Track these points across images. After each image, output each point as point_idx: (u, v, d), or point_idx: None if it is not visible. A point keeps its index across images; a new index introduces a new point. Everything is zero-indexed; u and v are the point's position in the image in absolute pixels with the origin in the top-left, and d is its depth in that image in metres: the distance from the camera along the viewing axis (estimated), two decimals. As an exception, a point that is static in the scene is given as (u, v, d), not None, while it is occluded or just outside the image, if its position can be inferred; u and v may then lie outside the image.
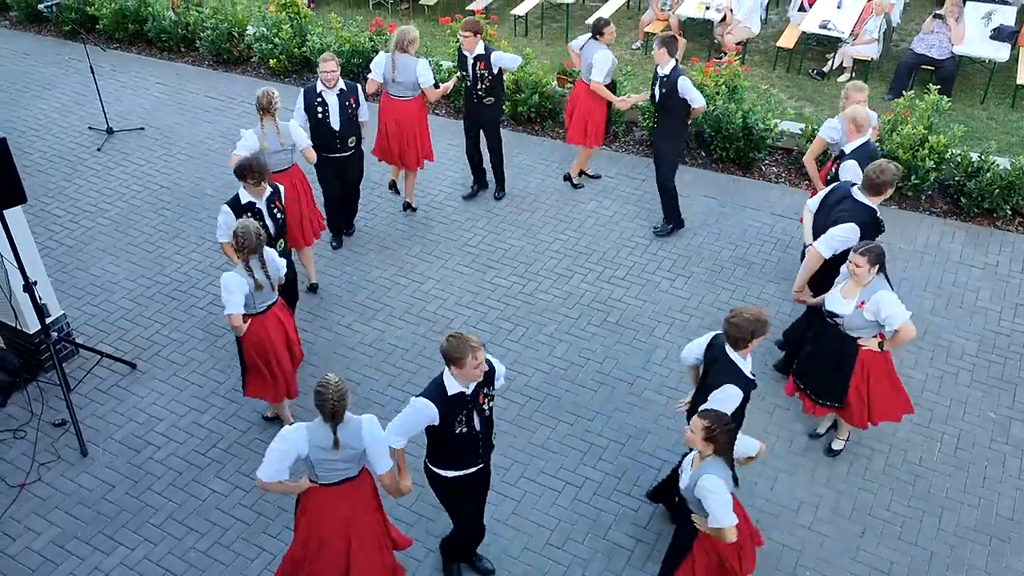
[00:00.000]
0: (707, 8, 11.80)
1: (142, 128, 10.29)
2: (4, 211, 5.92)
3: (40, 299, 6.43)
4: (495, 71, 8.16)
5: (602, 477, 6.21)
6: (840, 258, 5.95)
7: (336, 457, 4.63)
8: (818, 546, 5.76)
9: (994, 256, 8.14)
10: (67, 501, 6.11)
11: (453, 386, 4.68)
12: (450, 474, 4.98)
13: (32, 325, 6.72)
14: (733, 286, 7.84)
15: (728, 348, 5.06)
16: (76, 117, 10.54)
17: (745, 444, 4.75)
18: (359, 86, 7.69)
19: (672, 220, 8.44)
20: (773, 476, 6.19)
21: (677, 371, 7.02)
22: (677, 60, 7.80)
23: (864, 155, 6.47)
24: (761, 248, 8.26)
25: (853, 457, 6.32)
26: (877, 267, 5.48)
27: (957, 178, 8.64)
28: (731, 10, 11.64)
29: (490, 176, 9.04)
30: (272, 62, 11.10)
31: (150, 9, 11.88)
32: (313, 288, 7.81)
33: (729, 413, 4.71)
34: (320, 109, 7.46)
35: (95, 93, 10.23)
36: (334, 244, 8.34)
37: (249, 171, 6.19)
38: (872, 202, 5.96)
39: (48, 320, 6.62)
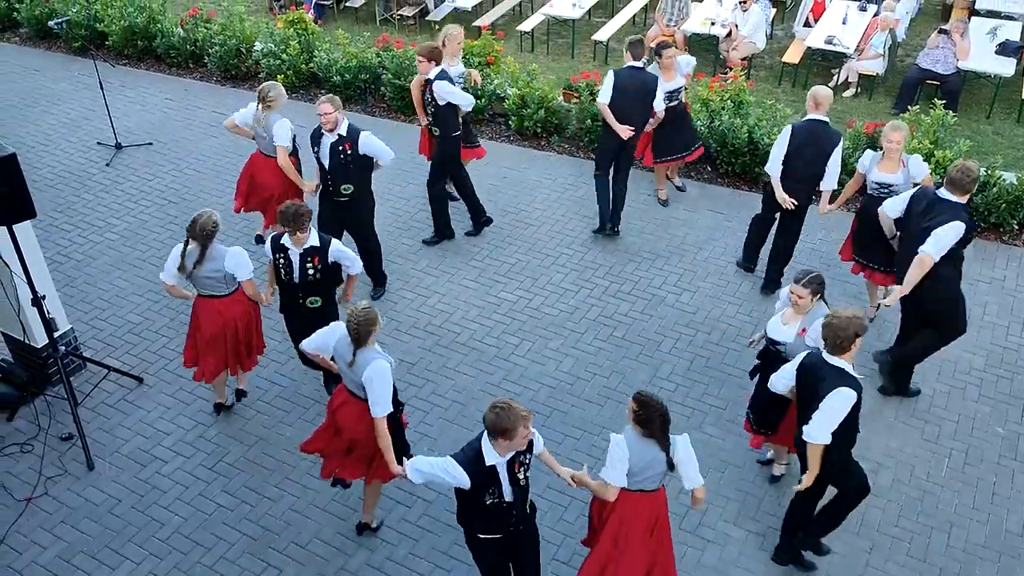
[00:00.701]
0: (712, 24, 11.86)
1: (150, 143, 10.35)
2: (13, 226, 5.95)
3: (48, 313, 6.46)
4: (439, 102, 7.76)
5: (608, 492, 6.19)
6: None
7: (350, 374, 5.24)
8: (826, 562, 5.72)
9: (1001, 271, 8.13)
10: (74, 515, 6.11)
11: (492, 456, 4.45)
12: (479, 535, 4.80)
13: (40, 339, 6.74)
14: (740, 301, 7.83)
15: (829, 358, 4.91)
16: (85, 132, 10.61)
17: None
18: (363, 134, 7.11)
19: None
20: (781, 491, 6.16)
21: (683, 386, 7.00)
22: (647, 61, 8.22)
23: (806, 125, 7.26)
24: (764, 262, 8.25)
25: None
26: (818, 296, 5.49)
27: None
28: (736, 26, 11.69)
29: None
30: (280, 78, 11.14)
31: (159, 26, 11.98)
32: None
33: (840, 420, 4.86)
34: (315, 148, 7.19)
35: (104, 108, 10.29)
36: (373, 295, 7.89)
37: (283, 220, 5.94)
38: (962, 200, 6.14)
39: (56, 334, 6.65)
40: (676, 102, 8.48)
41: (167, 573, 5.73)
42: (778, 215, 7.62)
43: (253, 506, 6.15)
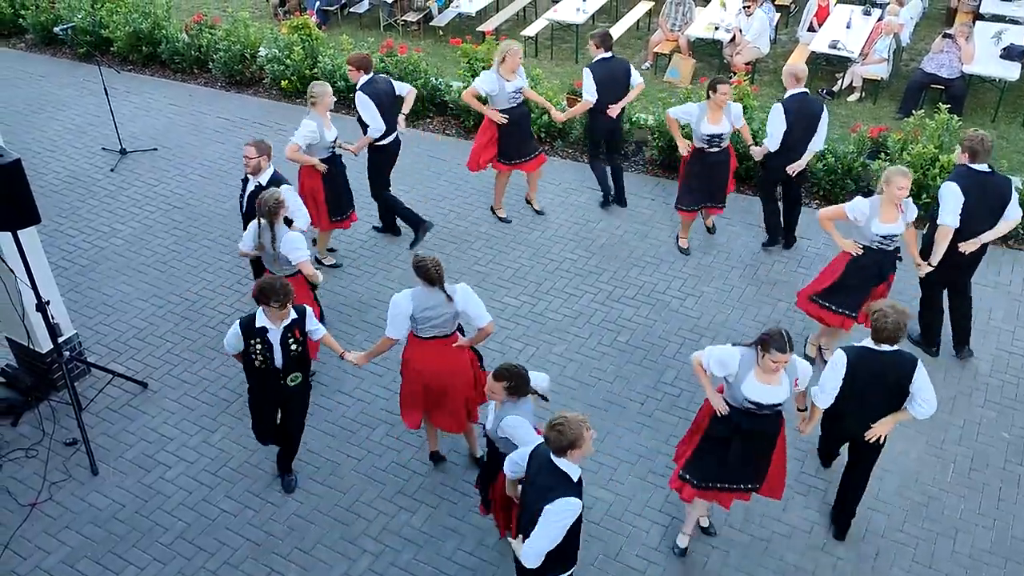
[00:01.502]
0: (716, 28, 11.86)
1: (155, 149, 10.37)
2: (18, 231, 5.96)
3: (53, 318, 6.47)
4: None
5: (613, 498, 6.18)
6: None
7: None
8: (831, 568, 5.70)
9: (1007, 275, 8.10)
10: (78, 520, 6.11)
11: (575, 470, 4.39)
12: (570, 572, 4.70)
13: (45, 344, 6.75)
14: (744, 305, 7.82)
15: (885, 347, 5.12)
16: (90, 138, 10.64)
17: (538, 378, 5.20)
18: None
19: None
20: (786, 497, 6.13)
21: (688, 391, 6.99)
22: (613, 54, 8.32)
23: (797, 101, 7.57)
24: (772, 267, 8.24)
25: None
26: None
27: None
28: (740, 30, 11.69)
29: None
30: (284, 83, 11.19)
31: (164, 32, 12.01)
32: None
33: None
34: (241, 197, 6.87)
35: (109, 114, 10.32)
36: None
37: (273, 294, 5.31)
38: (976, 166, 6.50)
39: (60, 339, 6.66)
40: (717, 148, 7.83)
41: (171, 578, 5.73)
42: (780, 189, 8.17)
43: (256, 511, 6.15)
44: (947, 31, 11.00)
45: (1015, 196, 6.64)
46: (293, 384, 5.73)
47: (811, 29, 12.19)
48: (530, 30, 12.71)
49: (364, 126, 7.88)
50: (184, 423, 6.83)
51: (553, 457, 4.37)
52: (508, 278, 8.22)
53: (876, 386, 5.21)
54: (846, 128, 10.22)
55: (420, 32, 13.53)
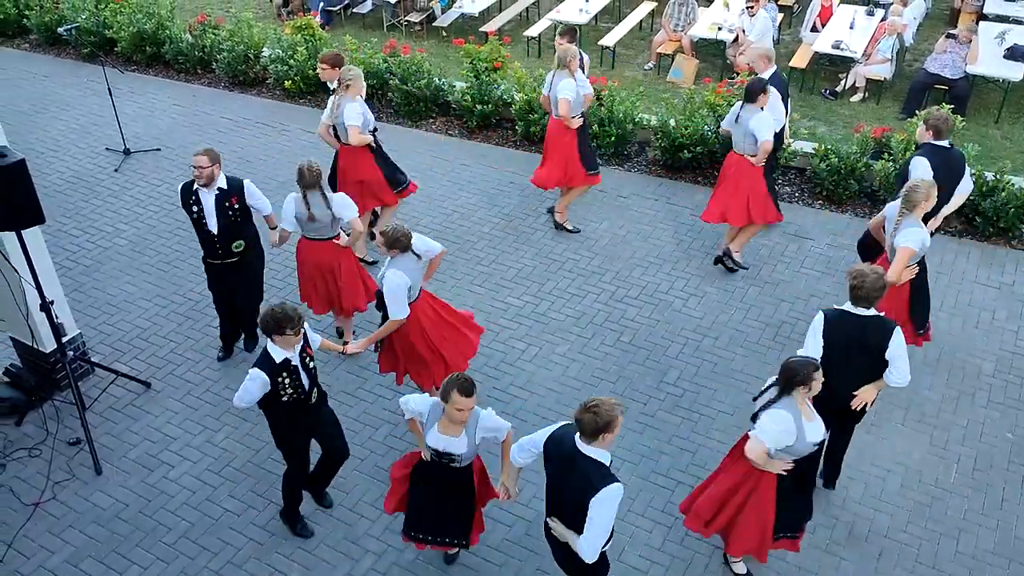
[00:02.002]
0: (719, 29, 11.86)
1: (158, 149, 10.39)
2: (23, 231, 5.98)
3: (57, 318, 6.48)
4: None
5: (615, 498, 6.17)
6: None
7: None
8: (834, 569, 5.70)
9: (1010, 275, 8.09)
10: (81, 520, 6.12)
11: (606, 456, 4.38)
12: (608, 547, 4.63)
13: (48, 344, 6.76)
14: (747, 306, 7.81)
15: (862, 310, 5.21)
16: (94, 138, 10.66)
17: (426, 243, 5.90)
18: (245, 183, 6.68)
19: None
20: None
21: (690, 391, 6.99)
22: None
23: (777, 79, 7.95)
24: (775, 268, 8.24)
25: (869, 479, 6.27)
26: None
27: (972, 197, 8.58)
28: (743, 31, 11.69)
29: None
30: (287, 84, 11.20)
31: (167, 32, 12.03)
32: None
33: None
34: (195, 209, 6.58)
35: (112, 114, 10.34)
36: (220, 355, 7.36)
37: (289, 322, 5.05)
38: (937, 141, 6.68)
39: (64, 339, 6.67)
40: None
41: (174, 578, 5.74)
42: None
43: (260, 511, 6.16)
44: (951, 31, 10.99)
45: (967, 169, 6.89)
46: (315, 402, 5.53)
47: (814, 29, 12.18)
48: (533, 30, 12.72)
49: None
50: (187, 423, 6.84)
51: (582, 445, 4.32)
52: (511, 278, 8.22)
53: (855, 349, 5.25)
54: (849, 128, 10.22)
55: (423, 32, 13.54)
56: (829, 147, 9.03)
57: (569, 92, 7.90)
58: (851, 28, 11.62)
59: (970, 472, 6.31)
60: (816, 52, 11.49)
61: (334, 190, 7.25)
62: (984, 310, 7.69)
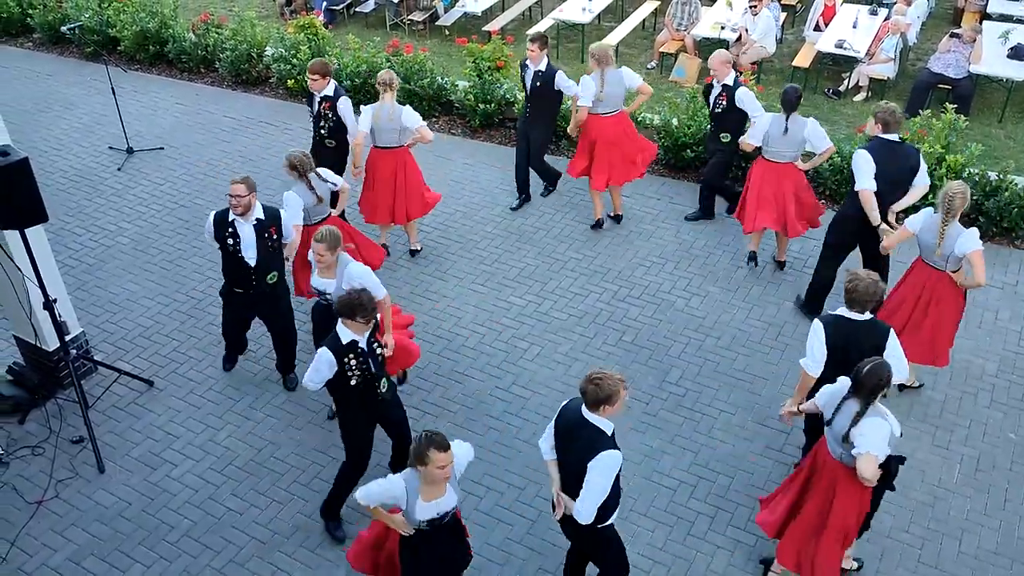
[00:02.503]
0: (722, 28, 11.85)
1: (161, 148, 10.40)
2: (25, 229, 5.99)
3: (60, 317, 6.49)
4: (338, 116, 7.88)
5: (618, 497, 6.17)
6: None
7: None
8: (836, 568, 5.69)
9: (1013, 276, 8.08)
10: (84, 518, 6.13)
11: (609, 425, 4.53)
12: (611, 521, 4.82)
13: (51, 342, 6.77)
14: (749, 305, 7.81)
15: (855, 314, 5.27)
16: (97, 137, 10.67)
17: None
18: (281, 212, 6.48)
19: (548, 181, 9.16)
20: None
21: (693, 391, 6.99)
22: (548, 57, 8.45)
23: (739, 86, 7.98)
24: (777, 267, 8.23)
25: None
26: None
27: (975, 197, 8.57)
28: (746, 30, 11.67)
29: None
30: (290, 83, 11.20)
31: (171, 31, 12.05)
32: (414, 253, 8.50)
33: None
34: (231, 241, 6.30)
35: (116, 113, 10.35)
36: (226, 367, 7.23)
37: (361, 310, 5.16)
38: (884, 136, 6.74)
39: (67, 337, 6.68)
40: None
41: (177, 576, 5.75)
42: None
43: (263, 510, 6.16)
44: (954, 31, 10.97)
45: (923, 164, 6.85)
46: (385, 391, 5.57)
47: (817, 28, 12.17)
48: (536, 30, 12.70)
49: (340, 131, 7.99)
50: (190, 421, 6.85)
51: (585, 413, 4.50)
52: (514, 277, 8.22)
53: (855, 353, 5.19)
54: (852, 128, 10.21)
55: (426, 31, 13.54)
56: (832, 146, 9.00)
57: (637, 78, 8.28)
58: (854, 27, 11.60)
59: (973, 472, 6.30)
60: (819, 51, 11.48)
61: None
62: (987, 310, 7.68)
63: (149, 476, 6.42)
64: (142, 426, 6.81)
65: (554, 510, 4.80)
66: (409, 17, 13.61)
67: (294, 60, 11.12)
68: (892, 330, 5.32)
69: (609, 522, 4.78)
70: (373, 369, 5.38)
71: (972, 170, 8.52)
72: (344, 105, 7.90)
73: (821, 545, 5.07)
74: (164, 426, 6.82)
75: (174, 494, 6.29)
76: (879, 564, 5.71)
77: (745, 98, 7.93)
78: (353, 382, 5.33)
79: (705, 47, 12.30)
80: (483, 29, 12.88)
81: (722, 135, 8.27)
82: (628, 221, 8.93)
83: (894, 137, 6.80)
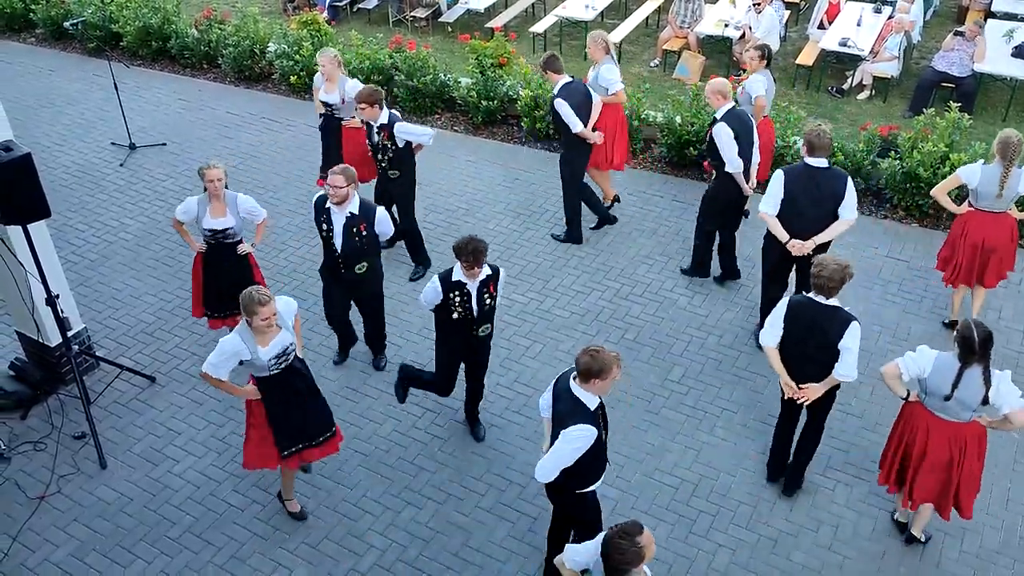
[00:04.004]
0: (726, 26, 11.83)
1: (164, 144, 10.40)
2: (28, 225, 5.99)
3: (62, 312, 6.49)
4: (399, 144, 7.43)
5: (619, 495, 6.17)
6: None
7: None
8: (838, 567, 5.69)
9: (1017, 274, 8.05)
10: (86, 513, 6.14)
11: (593, 400, 4.78)
12: (590, 488, 5.07)
13: (54, 338, 6.78)
14: (751, 303, 7.79)
15: (822, 299, 5.36)
16: (99, 133, 10.67)
17: None
18: (377, 211, 6.54)
19: (570, 233, 8.56)
20: (793, 495, 6.13)
21: (695, 389, 6.98)
22: (572, 78, 8.01)
23: (733, 116, 7.22)
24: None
25: (873, 477, 6.24)
26: None
27: (978, 196, 8.57)
28: (750, 27, 11.65)
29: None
30: (293, 79, 11.20)
31: (173, 27, 12.05)
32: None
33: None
34: (325, 227, 6.48)
35: (118, 109, 10.35)
36: (336, 359, 7.33)
37: (461, 252, 5.67)
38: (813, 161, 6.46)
39: (69, 333, 6.68)
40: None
41: (178, 572, 5.74)
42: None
43: (264, 506, 6.17)
44: (958, 29, 10.94)
45: (850, 195, 6.47)
46: (483, 335, 6.09)
47: (821, 26, 12.15)
48: (539, 27, 12.69)
49: (404, 161, 7.65)
50: (192, 417, 6.85)
51: (573, 386, 4.75)
52: (516, 275, 8.21)
53: (812, 336, 5.42)
54: (856, 126, 10.19)
55: (429, 28, 13.53)
56: (835, 145, 9.00)
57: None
58: (858, 25, 11.57)
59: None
60: (823, 49, 11.45)
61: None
62: (990, 309, 7.67)
63: (151, 472, 6.42)
64: (144, 422, 6.82)
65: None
66: (412, 13, 13.59)
67: (297, 56, 11.11)
68: (855, 323, 5.34)
69: (588, 489, 5.04)
70: (474, 312, 5.91)
71: (853, 197, 8.41)
72: (402, 128, 7.40)
73: (961, 495, 5.39)
74: (166, 422, 6.82)
75: (176, 490, 6.29)
76: (880, 563, 5.71)
77: (718, 136, 7.20)
78: (455, 316, 5.91)
79: (708, 45, 12.29)
80: (486, 26, 12.86)
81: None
82: (630, 219, 8.92)
83: (820, 162, 6.42)
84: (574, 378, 4.75)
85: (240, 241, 6.78)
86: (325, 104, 8.28)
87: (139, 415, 6.88)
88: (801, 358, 5.55)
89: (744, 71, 10.52)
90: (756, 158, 7.48)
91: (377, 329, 7.18)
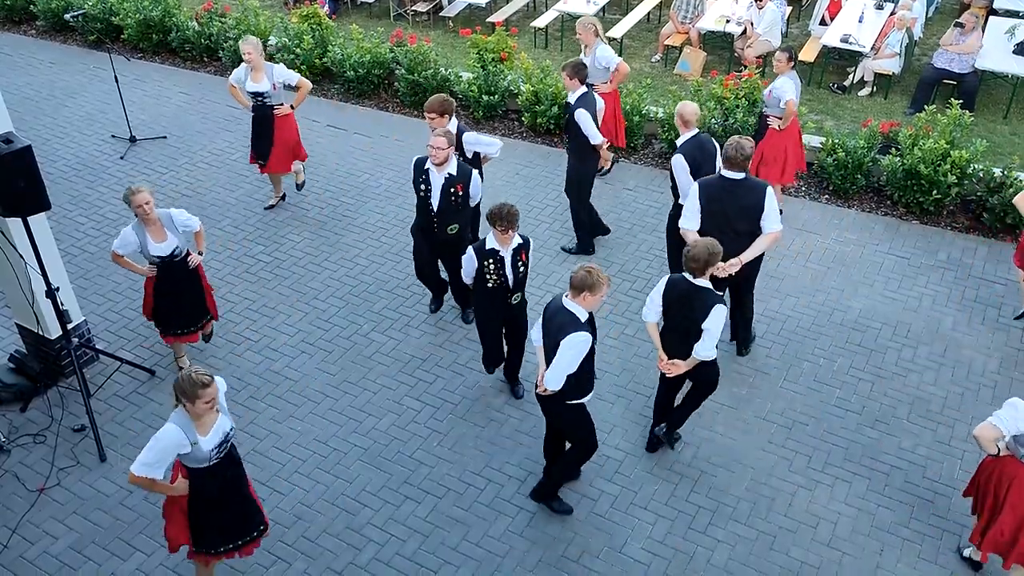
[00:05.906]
0: (727, 21, 11.81)
1: (164, 137, 10.39)
2: (28, 217, 5.98)
3: (62, 305, 6.49)
4: (467, 155, 7.37)
5: (619, 491, 6.18)
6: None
7: None
8: (836, 563, 5.70)
9: (1017, 272, 8.05)
10: (85, 506, 6.14)
11: (583, 312, 5.23)
12: (586, 399, 5.56)
13: (53, 331, 6.78)
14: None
15: (690, 277, 5.63)
16: (100, 125, 10.66)
17: None
18: (473, 173, 6.82)
19: (581, 243, 8.40)
20: (792, 492, 6.14)
21: (695, 385, 6.98)
22: (589, 86, 7.83)
23: (694, 145, 7.07)
24: (780, 262, 8.22)
25: (872, 473, 6.26)
26: None
27: (979, 193, 8.57)
28: (752, 23, 11.64)
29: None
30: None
31: (174, 20, 12.02)
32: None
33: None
34: (423, 188, 6.81)
35: (119, 102, 10.34)
36: (432, 307, 7.73)
37: (495, 218, 5.98)
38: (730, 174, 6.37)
39: (69, 326, 6.68)
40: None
41: (177, 564, 5.74)
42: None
43: (264, 499, 6.15)
44: (957, 20, 10.90)
45: (771, 206, 6.30)
46: (516, 303, 6.39)
47: (823, 23, 12.13)
48: (540, 21, 12.67)
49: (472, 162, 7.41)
50: (191, 411, 6.84)
51: (565, 301, 5.25)
52: (516, 270, 8.20)
53: (681, 311, 5.72)
54: (857, 123, 10.18)
55: (430, 22, 13.51)
56: (836, 141, 9.00)
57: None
58: (860, 22, 11.55)
59: (974, 468, 6.28)
60: (824, 46, 11.43)
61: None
62: (990, 307, 7.67)
63: (150, 465, 6.42)
64: (143, 415, 6.82)
65: (536, 388, 5.52)
66: (413, 8, 13.57)
67: (298, 50, 11.09)
68: (719, 306, 5.53)
69: (581, 400, 5.51)
70: (508, 279, 6.21)
71: (976, 166, 8.50)
72: (470, 138, 7.35)
73: None
74: (165, 415, 6.71)
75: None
76: (879, 559, 5.71)
77: (674, 166, 7.12)
78: (489, 284, 6.21)
79: (710, 40, 12.27)
80: (487, 20, 12.84)
81: None
82: (630, 215, 8.92)
83: (736, 175, 6.30)
84: (566, 295, 5.24)
85: (188, 254, 6.69)
86: (255, 95, 8.32)
87: (139, 408, 6.88)
88: (675, 332, 5.85)
89: (745, 67, 10.53)
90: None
91: (461, 288, 7.30)
